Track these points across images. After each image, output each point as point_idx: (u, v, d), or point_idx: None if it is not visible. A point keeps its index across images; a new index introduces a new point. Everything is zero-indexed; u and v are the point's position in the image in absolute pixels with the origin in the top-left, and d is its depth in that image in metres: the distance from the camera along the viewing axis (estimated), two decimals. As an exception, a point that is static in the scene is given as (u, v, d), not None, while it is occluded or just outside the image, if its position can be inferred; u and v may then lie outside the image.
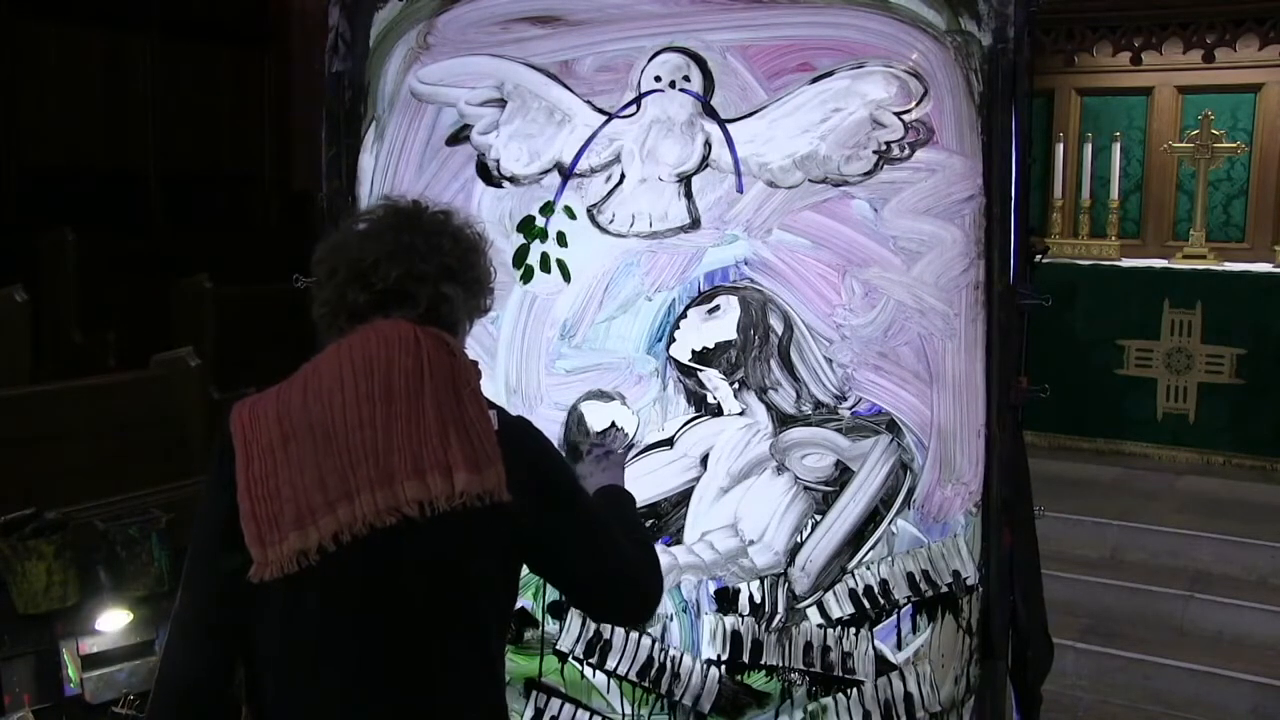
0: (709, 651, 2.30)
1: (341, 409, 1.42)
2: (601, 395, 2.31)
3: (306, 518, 1.40)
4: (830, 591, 2.28)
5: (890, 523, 2.27)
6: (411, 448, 1.41)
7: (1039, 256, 2.44)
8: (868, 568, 2.27)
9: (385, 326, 1.47)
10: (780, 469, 2.28)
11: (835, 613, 2.28)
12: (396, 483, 1.40)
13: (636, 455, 2.30)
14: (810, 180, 2.24)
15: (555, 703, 2.33)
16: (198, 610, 1.52)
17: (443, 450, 1.42)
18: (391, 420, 1.41)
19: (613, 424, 2.27)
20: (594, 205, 2.31)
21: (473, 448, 1.44)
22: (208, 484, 1.49)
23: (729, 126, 2.26)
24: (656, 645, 2.31)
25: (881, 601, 2.27)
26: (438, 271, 1.51)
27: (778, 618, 2.29)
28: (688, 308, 2.30)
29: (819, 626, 2.28)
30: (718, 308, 2.29)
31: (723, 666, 2.30)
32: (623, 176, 2.29)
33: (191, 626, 1.52)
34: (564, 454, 1.99)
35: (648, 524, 2.30)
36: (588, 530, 1.62)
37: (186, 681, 1.52)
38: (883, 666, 2.28)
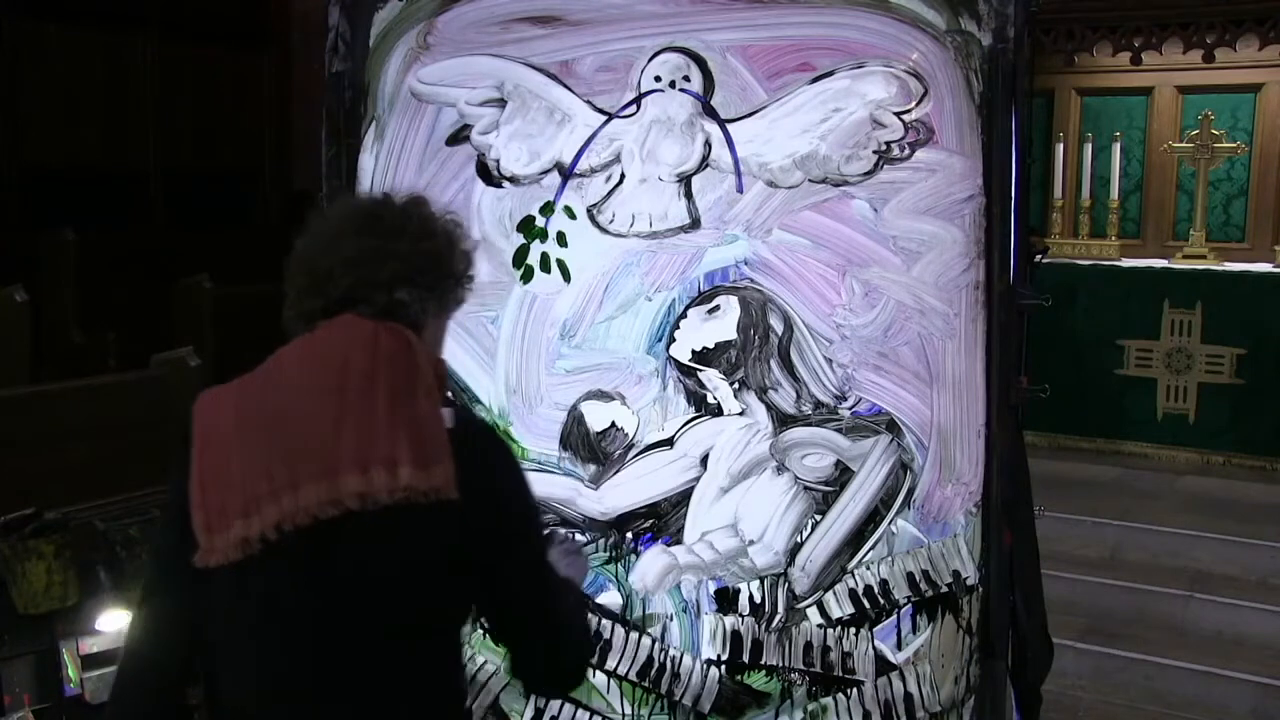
0: (709, 651, 2.30)
1: (294, 400, 1.44)
2: (601, 395, 2.31)
3: (252, 506, 1.41)
4: (830, 591, 2.28)
5: (890, 523, 2.27)
6: (358, 441, 1.42)
7: (1039, 256, 2.44)
8: (868, 568, 2.27)
9: (346, 321, 1.48)
10: (780, 469, 2.28)
11: (835, 613, 2.28)
12: (340, 475, 1.41)
13: (636, 455, 2.31)
14: (810, 180, 2.24)
15: (555, 703, 2.33)
16: (157, 599, 1.54)
17: (390, 445, 1.42)
18: (342, 414, 1.42)
19: (613, 424, 2.27)
20: (594, 205, 2.31)
21: (421, 444, 1.43)
22: (171, 472, 1.50)
23: (729, 126, 2.26)
24: (656, 645, 2.31)
25: (881, 601, 2.27)
26: (391, 277, 1.51)
27: (778, 618, 2.28)
28: (688, 308, 2.30)
29: (819, 626, 2.28)
30: (718, 308, 2.29)
31: (723, 666, 2.30)
32: (623, 176, 2.29)
33: (150, 616, 1.55)
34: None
35: (647, 524, 2.31)
36: (535, 557, 1.59)
37: (146, 671, 1.55)
38: (883, 666, 2.28)
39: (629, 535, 2.31)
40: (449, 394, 1.60)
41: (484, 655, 2.31)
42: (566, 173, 2.31)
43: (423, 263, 1.54)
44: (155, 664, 1.54)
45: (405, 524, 1.43)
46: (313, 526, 1.41)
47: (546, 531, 1.99)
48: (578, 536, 2.11)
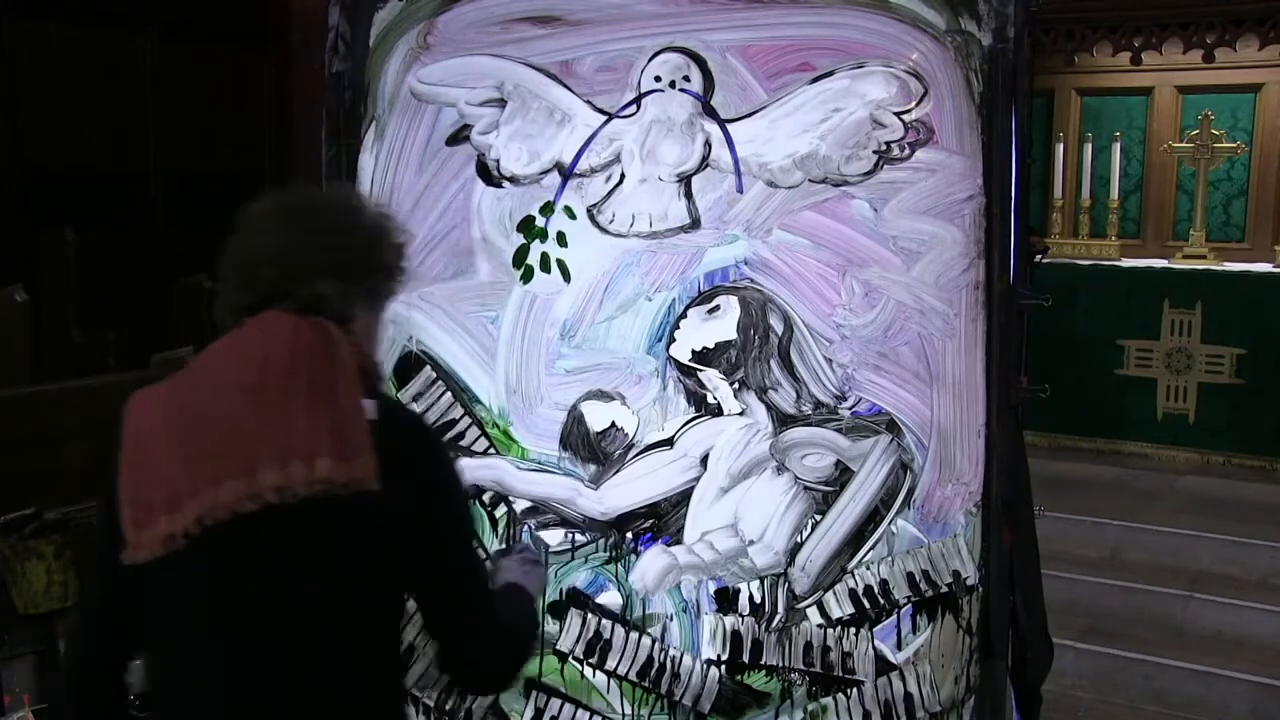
0: (709, 651, 2.30)
1: (216, 397, 1.46)
2: (601, 395, 2.31)
3: (176, 503, 1.43)
4: (830, 591, 2.28)
5: (890, 523, 2.27)
6: (277, 435, 1.43)
7: (1039, 256, 2.44)
8: (868, 568, 2.27)
9: (268, 317, 1.49)
10: (780, 469, 2.28)
11: (835, 613, 2.28)
12: (259, 470, 1.42)
13: (636, 455, 2.31)
14: (810, 180, 2.24)
15: (555, 703, 2.33)
16: (95, 596, 1.60)
17: (309, 438, 1.43)
18: (262, 409, 1.44)
19: (613, 424, 2.27)
20: (594, 205, 2.31)
21: (341, 436, 1.44)
22: (109, 471, 1.53)
23: (729, 126, 2.26)
24: (656, 645, 2.31)
25: (881, 601, 2.27)
26: (313, 270, 1.51)
27: (778, 618, 2.29)
28: (688, 308, 2.30)
29: (819, 626, 2.28)
30: (718, 308, 2.29)
31: (723, 666, 2.30)
32: (623, 176, 2.29)
33: (89, 612, 1.61)
34: (494, 552, 2.01)
35: (647, 524, 2.31)
36: (459, 546, 1.60)
37: (85, 665, 1.59)
38: (883, 666, 2.28)
39: (629, 535, 2.31)
40: (377, 385, 1.60)
41: (484, 655, 2.31)
42: (566, 173, 2.31)
43: (345, 256, 1.54)
44: (95, 668, 1.59)
45: (327, 517, 1.44)
46: (235, 521, 1.42)
47: (510, 544, 2.00)
48: (544, 544, 2.12)
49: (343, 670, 1.49)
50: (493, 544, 2.32)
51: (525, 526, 2.34)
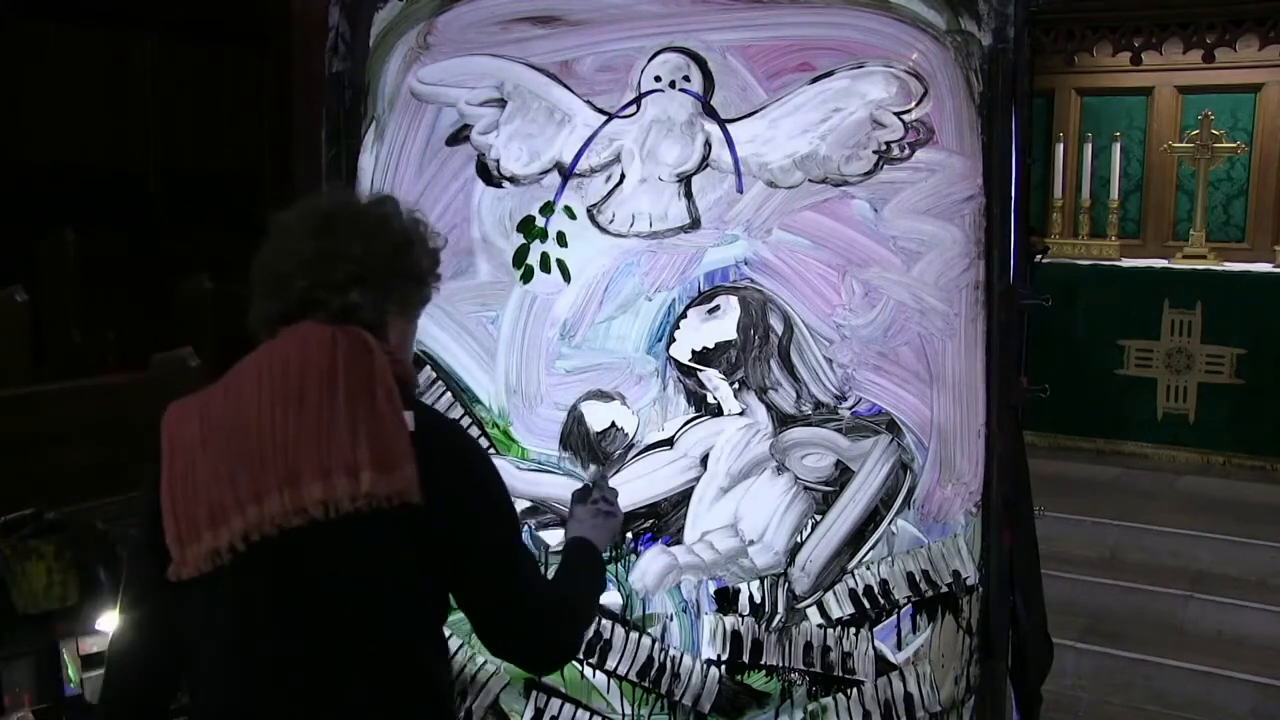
0: (709, 651, 2.30)
1: (255, 410, 1.43)
2: (601, 395, 2.31)
3: (219, 517, 1.41)
4: (830, 591, 2.28)
5: (890, 523, 2.27)
6: (319, 449, 1.41)
7: (1039, 256, 2.45)
8: (868, 568, 2.27)
9: (304, 328, 1.48)
10: (780, 469, 2.28)
11: (835, 613, 2.28)
12: (302, 484, 1.40)
13: (636, 455, 2.30)
14: (810, 180, 2.24)
15: (555, 703, 2.33)
16: (136, 620, 1.54)
17: (350, 450, 1.42)
18: (303, 421, 1.42)
19: (613, 424, 2.27)
20: (594, 205, 2.31)
21: (382, 448, 1.43)
22: (144, 485, 1.50)
23: (729, 126, 2.26)
24: (656, 645, 2.31)
25: (881, 601, 2.27)
26: (345, 280, 1.50)
27: (778, 618, 2.29)
28: (688, 308, 2.30)
29: (819, 626, 2.28)
30: (718, 308, 2.29)
31: (723, 666, 2.30)
32: (623, 176, 2.29)
33: (131, 632, 1.55)
34: (573, 493, 1.99)
35: (647, 524, 2.30)
36: (503, 552, 1.59)
37: (132, 687, 1.55)
38: (883, 666, 2.28)
39: (629, 535, 2.31)
40: (414, 394, 1.59)
41: (483, 655, 2.31)
42: (566, 173, 2.31)
43: (377, 263, 1.53)
44: (139, 676, 1.55)
45: (370, 529, 1.43)
46: (280, 536, 1.41)
47: (580, 487, 1.99)
48: (615, 491, 2.03)
49: (391, 682, 1.48)
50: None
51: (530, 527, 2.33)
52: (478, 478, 1.58)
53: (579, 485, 2.04)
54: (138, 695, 1.56)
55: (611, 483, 2.06)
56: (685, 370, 2.30)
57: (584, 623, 1.78)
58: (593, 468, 2.26)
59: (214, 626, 1.46)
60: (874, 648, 2.28)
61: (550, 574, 1.79)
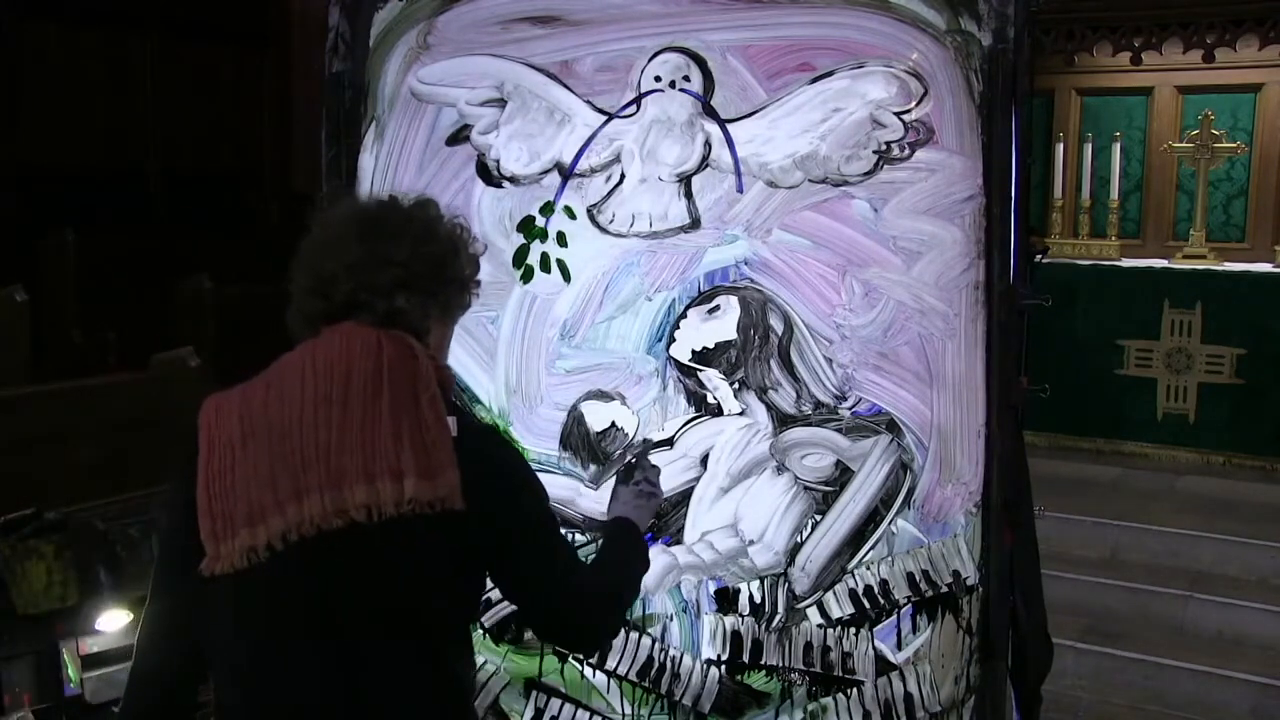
0: (709, 651, 2.30)
1: (299, 409, 1.43)
2: (601, 395, 2.31)
3: (257, 515, 1.41)
4: (830, 591, 2.28)
5: (890, 523, 2.27)
6: (363, 451, 1.41)
7: (1039, 256, 2.44)
8: (868, 568, 2.27)
9: (349, 329, 1.48)
10: (780, 469, 2.28)
11: (835, 613, 2.28)
12: (345, 486, 1.40)
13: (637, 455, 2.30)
14: (810, 180, 2.24)
15: (555, 703, 2.33)
16: (164, 603, 1.54)
17: (395, 455, 1.42)
18: (346, 423, 1.42)
19: (613, 424, 2.27)
20: (594, 205, 2.31)
21: (426, 453, 1.43)
22: (174, 479, 1.50)
23: (729, 126, 2.26)
24: (656, 645, 2.31)
25: (881, 601, 2.27)
26: (391, 284, 1.50)
27: (778, 618, 2.28)
28: (688, 308, 2.30)
29: (819, 626, 2.28)
30: (718, 308, 2.29)
31: (723, 666, 2.30)
32: (623, 176, 2.29)
33: (157, 618, 1.54)
34: (617, 472, 2.01)
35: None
36: (542, 550, 1.61)
37: (156, 673, 1.54)
38: (883, 666, 2.28)
39: (629, 535, 2.31)
40: (454, 400, 1.59)
41: (484, 655, 2.31)
42: (566, 173, 2.31)
43: (423, 268, 1.53)
44: (165, 666, 1.54)
45: (411, 534, 1.43)
46: (317, 536, 1.41)
47: (624, 466, 2.02)
48: (657, 469, 2.07)
49: (419, 684, 1.48)
50: None
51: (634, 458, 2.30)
52: (519, 483, 1.59)
53: (623, 465, 2.10)
54: (162, 691, 1.55)
55: (612, 483, 2.06)
56: (685, 370, 2.30)
57: (628, 602, 1.82)
58: (640, 445, 2.27)
59: (245, 624, 1.46)
60: (874, 648, 2.28)
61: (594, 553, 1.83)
